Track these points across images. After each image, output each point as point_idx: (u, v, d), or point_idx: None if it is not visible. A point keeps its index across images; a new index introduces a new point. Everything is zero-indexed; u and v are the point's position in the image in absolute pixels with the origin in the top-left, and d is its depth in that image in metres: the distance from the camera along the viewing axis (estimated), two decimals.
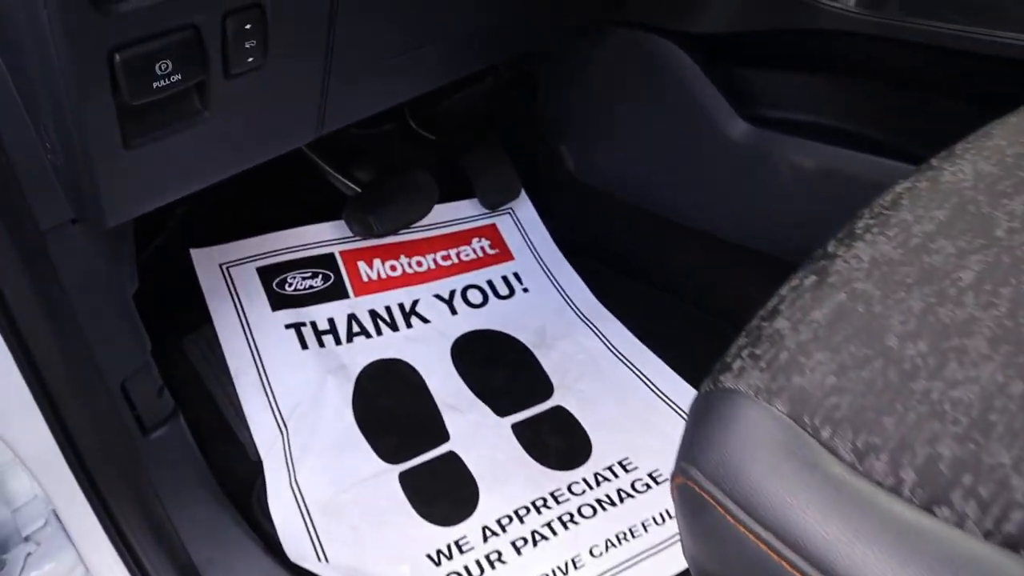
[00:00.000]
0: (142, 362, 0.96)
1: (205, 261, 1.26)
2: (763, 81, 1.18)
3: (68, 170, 0.72)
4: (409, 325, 1.28)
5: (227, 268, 1.26)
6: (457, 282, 1.36)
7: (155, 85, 0.65)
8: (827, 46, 1.06)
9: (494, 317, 1.32)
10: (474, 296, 1.34)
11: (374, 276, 1.32)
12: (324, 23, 0.75)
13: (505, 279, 1.38)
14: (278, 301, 1.24)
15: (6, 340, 0.75)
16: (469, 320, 1.31)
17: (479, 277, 1.37)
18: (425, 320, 1.30)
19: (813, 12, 1.00)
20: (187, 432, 1.03)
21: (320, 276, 1.28)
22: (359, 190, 1.30)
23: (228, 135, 0.77)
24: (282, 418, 1.11)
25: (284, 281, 1.26)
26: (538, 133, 1.44)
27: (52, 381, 0.77)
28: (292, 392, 1.15)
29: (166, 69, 0.65)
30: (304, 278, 1.27)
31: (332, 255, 1.31)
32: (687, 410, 0.53)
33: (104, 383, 0.87)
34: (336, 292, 1.28)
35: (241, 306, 1.22)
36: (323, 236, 1.33)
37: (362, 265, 1.32)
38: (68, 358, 0.82)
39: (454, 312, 1.32)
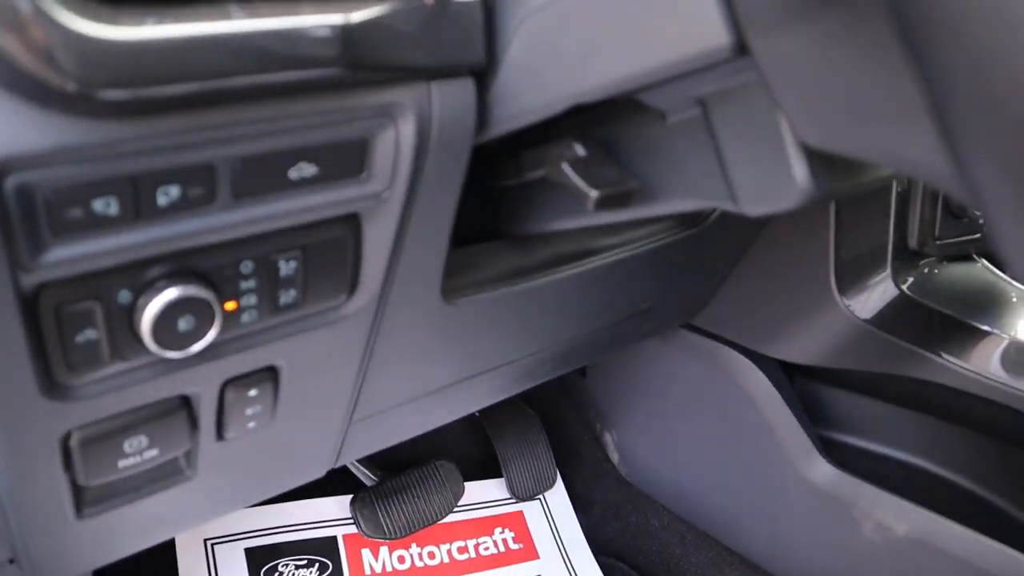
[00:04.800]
0: None
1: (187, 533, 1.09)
2: (851, 406, 1.03)
3: (4, 527, 0.57)
4: None
5: (212, 545, 1.09)
6: None
7: (120, 464, 0.51)
8: (940, 394, 0.91)
9: None
10: None
11: (379, 568, 1.14)
12: (353, 372, 0.61)
13: None
14: None
15: None
16: None
17: None
18: None
19: (932, 367, 0.85)
20: None
21: (317, 565, 1.11)
22: (375, 478, 1.14)
23: (218, 489, 0.63)
24: None
25: (275, 569, 1.09)
26: (583, 415, 1.29)
27: None
28: None
29: (138, 446, 0.51)
30: (298, 566, 1.10)
31: (334, 539, 1.14)
32: None
33: None
34: None
35: None
36: (326, 515, 1.16)
37: (367, 554, 1.14)
38: None
39: None
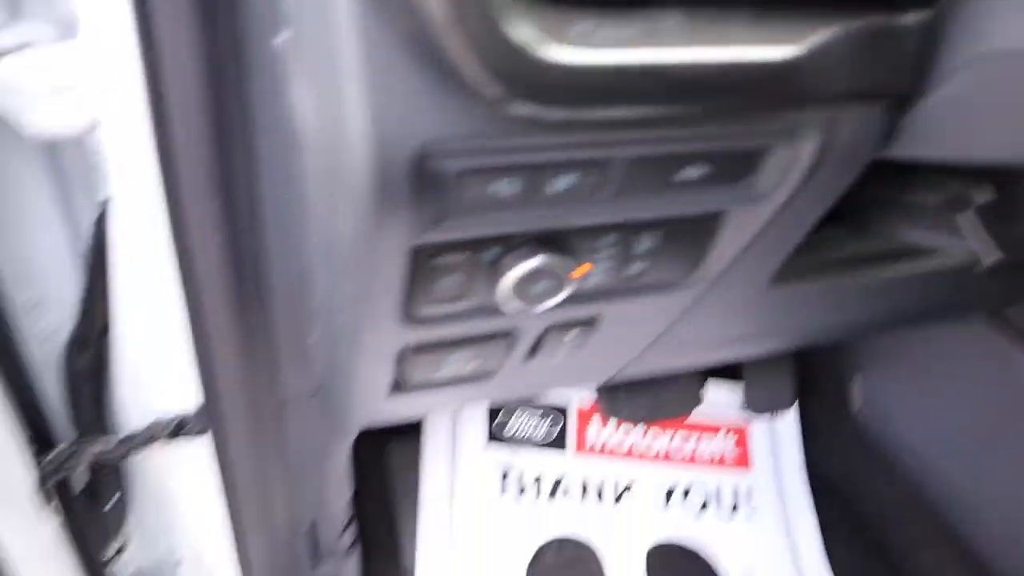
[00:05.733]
0: (337, 508, 0.89)
1: None
2: None
3: (325, 380, 0.65)
4: (617, 500, 1.16)
5: None
6: (682, 477, 1.21)
7: (437, 375, 0.56)
8: None
9: (706, 532, 1.17)
10: (695, 498, 1.20)
11: (600, 440, 1.19)
12: (660, 328, 0.62)
13: (735, 491, 1.22)
14: (495, 436, 1.15)
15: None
16: (678, 526, 1.17)
17: (708, 478, 1.22)
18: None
19: None
20: (356, 570, 0.97)
21: (547, 422, 1.18)
22: None
23: (507, 386, 0.67)
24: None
25: (506, 422, 1.17)
26: (835, 350, 1.24)
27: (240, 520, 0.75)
28: (472, 542, 1.08)
29: (458, 359, 0.55)
30: (530, 419, 1.17)
31: (565, 408, 1.20)
32: None
33: (292, 522, 0.82)
34: (556, 445, 1.18)
35: (454, 434, 1.14)
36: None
37: (596, 420, 1.20)
38: (263, 499, 0.77)
39: (667, 508, 1.18)
